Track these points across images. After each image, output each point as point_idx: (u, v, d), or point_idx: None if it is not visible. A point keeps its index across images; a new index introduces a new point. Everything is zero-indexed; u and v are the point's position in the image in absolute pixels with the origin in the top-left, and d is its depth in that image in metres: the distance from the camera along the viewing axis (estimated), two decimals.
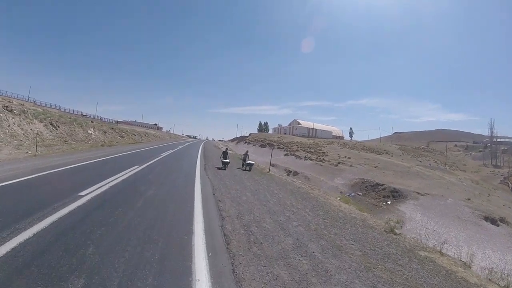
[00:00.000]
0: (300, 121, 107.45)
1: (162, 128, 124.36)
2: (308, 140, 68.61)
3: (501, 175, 49.27)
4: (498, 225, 20.60)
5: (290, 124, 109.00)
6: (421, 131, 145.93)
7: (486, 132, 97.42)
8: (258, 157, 37.85)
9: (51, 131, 21.46)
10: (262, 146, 61.78)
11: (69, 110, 57.65)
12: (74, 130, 25.13)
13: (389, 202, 22.37)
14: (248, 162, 16.13)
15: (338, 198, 14.31)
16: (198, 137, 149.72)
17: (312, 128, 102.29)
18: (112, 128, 37.73)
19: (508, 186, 42.23)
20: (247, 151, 18.33)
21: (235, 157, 24.99)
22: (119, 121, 79.19)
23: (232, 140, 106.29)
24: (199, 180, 9.64)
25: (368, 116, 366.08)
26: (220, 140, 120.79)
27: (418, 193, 23.79)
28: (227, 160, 14.81)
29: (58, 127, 22.99)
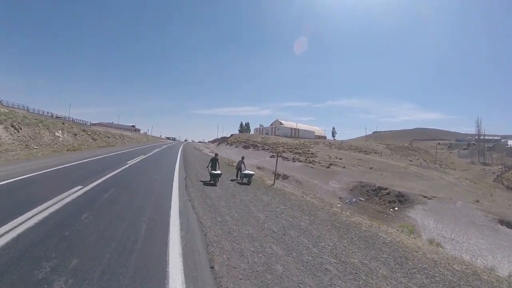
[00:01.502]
0: (282, 121, 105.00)
1: (140, 130, 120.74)
2: (294, 140, 66.11)
3: (493, 172, 49.30)
4: None
5: (272, 125, 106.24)
6: (400, 130, 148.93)
7: (464, 130, 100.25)
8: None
9: (11, 134, 18.77)
10: (246, 147, 58.51)
11: (39, 111, 51.52)
12: (39, 133, 22.21)
13: (396, 208, 19.82)
14: (245, 172, 12.43)
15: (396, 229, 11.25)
16: (178, 138, 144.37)
17: (295, 128, 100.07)
18: (84, 130, 34.28)
19: (503, 184, 41.80)
20: (243, 157, 13.89)
21: (220, 161, 21.72)
22: (94, 123, 73.71)
23: (212, 141, 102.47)
24: (178, 216, 5.59)
25: (346, 116, 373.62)
26: (200, 142, 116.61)
27: (425, 197, 21.48)
28: (218, 172, 10.97)
29: (20, 129, 20.11)
